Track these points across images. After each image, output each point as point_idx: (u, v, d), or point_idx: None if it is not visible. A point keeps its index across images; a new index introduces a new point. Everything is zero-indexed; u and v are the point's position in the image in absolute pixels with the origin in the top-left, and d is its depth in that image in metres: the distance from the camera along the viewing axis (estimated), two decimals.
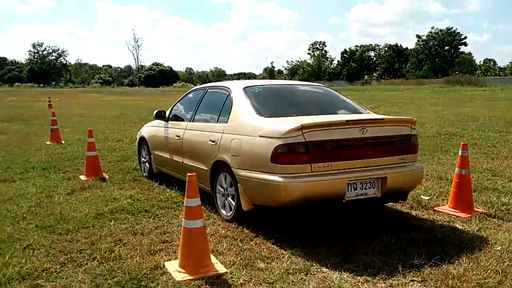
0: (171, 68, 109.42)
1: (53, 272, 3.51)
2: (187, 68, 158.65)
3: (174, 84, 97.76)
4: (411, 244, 3.98)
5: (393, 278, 3.36)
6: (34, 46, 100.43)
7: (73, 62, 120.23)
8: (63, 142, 10.86)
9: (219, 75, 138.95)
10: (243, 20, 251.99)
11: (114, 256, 3.80)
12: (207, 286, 3.26)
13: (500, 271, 3.41)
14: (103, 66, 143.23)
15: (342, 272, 3.49)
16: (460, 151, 5.02)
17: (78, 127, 14.49)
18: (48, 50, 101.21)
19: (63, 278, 3.40)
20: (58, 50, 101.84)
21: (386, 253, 3.81)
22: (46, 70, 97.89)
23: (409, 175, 4.51)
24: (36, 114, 19.40)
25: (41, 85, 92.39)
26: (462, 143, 5.10)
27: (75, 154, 9.07)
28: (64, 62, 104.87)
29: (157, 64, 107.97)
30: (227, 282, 3.34)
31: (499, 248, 3.89)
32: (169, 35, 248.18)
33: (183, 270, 3.48)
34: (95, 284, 3.29)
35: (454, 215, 4.81)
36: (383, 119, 4.61)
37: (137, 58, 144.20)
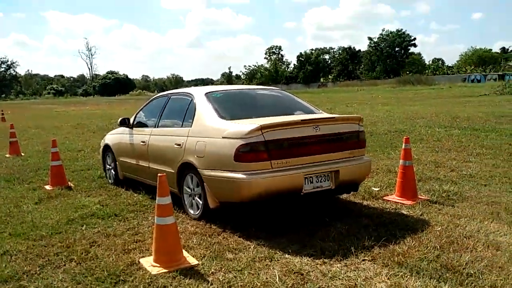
0: (126, 76, 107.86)
1: (34, 274, 3.72)
2: (143, 75, 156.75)
3: (131, 92, 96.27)
4: (363, 230, 4.43)
5: (347, 259, 3.79)
6: None
7: (23, 74, 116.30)
8: (22, 154, 10.79)
9: (177, 81, 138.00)
10: (199, 26, 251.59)
11: (91, 256, 4.04)
12: (181, 276, 3.56)
13: (439, 247, 3.91)
14: (55, 76, 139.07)
15: (303, 257, 3.88)
16: (403, 145, 5.55)
17: (36, 139, 14.33)
18: None
19: (44, 279, 3.61)
20: (7, 61, 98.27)
21: (340, 238, 4.24)
22: None
23: (359, 168, 4.97)
24: None
25: None
26: (405, 137, 5.64)
27: (37, 165, 9.08)
28: (14, 73, 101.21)
29: (112, 73, 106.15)
30: (199, 272, 3.65)
31: (439, 228, 4.40)
32: (124, 43, 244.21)
33: (157, 265, 3.76)
34: (76, 282, 3.53)
35: (401, 202, 5.33)
36: (334, 117, 5.07)
37: (91, 67, 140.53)
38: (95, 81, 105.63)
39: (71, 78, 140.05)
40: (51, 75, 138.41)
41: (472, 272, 3.40)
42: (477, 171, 6.85)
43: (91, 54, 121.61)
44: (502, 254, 3.73)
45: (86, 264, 3.87)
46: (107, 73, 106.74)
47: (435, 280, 3.30)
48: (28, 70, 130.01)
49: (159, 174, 3.82)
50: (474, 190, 5.81)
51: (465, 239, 4.09)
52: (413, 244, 3.99)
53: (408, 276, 3.39)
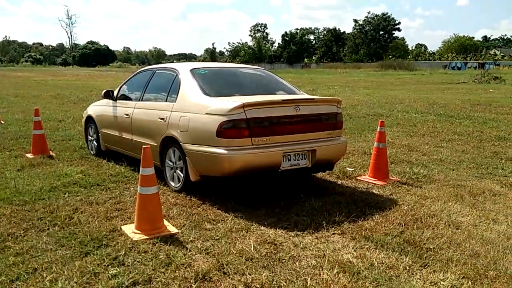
0: (107, 47, 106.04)
1: (18, 236, 3.87)
2: (124, 47, 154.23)
3: (111, 64, 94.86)
4: (335, 206, 4.69)
5: (318, 232, 4.04)
6: None
7: (0, 40, 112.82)
8: (2, 122, 10.73)
9: (159, 55, 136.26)
10: None
11: (74, 221, 4.21)
12: (161, 243, 3.75)
13: (403, 224, 4.20)
14: (33, 44, 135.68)
15: (277, 229, 4.11)
16: (378, 128, 5.80)
17: (15, 107, 14.20)
18: None
19: (28, 241, 3.76)
20: None
21: (314, 213, 4.49)
22: None
23: (335, 148, 5.20)
24: None
25: None
26: (380, 121, 5.89)
27: (18, 133, 9.09)
28: None
29: (92, 43, 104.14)
30: (179, 239, 3.85)
31: (405, 207, 4.69)
32: (106, 12, 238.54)
33: (139, 232, 3.95)
34: (60, 244, 3.70)
35: (373, 183, 5.61)
36: (314, 99, 5.27)
37: (71, 36, 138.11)
38: (75, 50, 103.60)
39: (50, 47, 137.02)
40: (30, 42, 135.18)
41: (432, 247, 3.68)
42: (447, 156, 7.18)
43: (72, 23, 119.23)
44: (461, 233, 4.03)
45: (70, 228, 4.03)
46: (88, 43, 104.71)
47: (397, 253, 3.57)
48: (5, 37, 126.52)
49: (143, 146, 3.97)
50: (442, 173, 6.13)
51: (428, 217, 4.38)
52: (380, 221, 4.27)
53: (373, 249, 3.65)
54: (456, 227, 4.17)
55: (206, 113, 4.76)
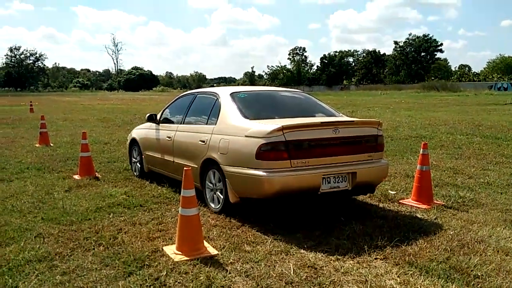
0: (151, 72, 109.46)
1: (65, 255, 4.00)
2: (167, 72, 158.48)
3: (154, 89, 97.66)
4: (377, 230, 4.58)
5: (360, 257, 3.96)
6: (11, 50, 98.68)
7: (50, 66, 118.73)
8: (52, 144, 11.23)
9: (200, 79, 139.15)
10: (224, 25, 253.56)
11: (118, 242, 4.32)
12: (202, 264, 3.78)
13: (449, 250, 4.05)
14: (81, 70, 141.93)
15: (317, 252, 4.06)
16: (421, 150, 5.68)
17: (64, 130, 14.83)
18: (26, 54, 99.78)
19: (75, 260, 3.89)
20: (36, 54, 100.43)
21: (355, 237, 4.41)
22: (23, 74, 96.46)
23: (376, 170, 5.12)
24: (20, 118, 19.56)
25: (18, 89, 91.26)
26: (423, 143, 5.77)
27: (66, 155, 9.48)
28: (42, 66, 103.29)
29: (137, 68, 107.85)
30: (219, 261, 3.87)
31: (451, 232, 4.53)
32: (150, 39, 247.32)
33: (180, 252, 4.00)
34: (104, 264, 3.80)
35: (416, 206, 5.46)
36: (353, 121, 5.24)
37: (117, 62, 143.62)
38: (120, 76, 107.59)
39: (97, 73, 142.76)
40: (78, 68, 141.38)
41: (480, 274, 3.53)
42: (494, 179, 6.91)
43: (117, 50, 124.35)
44: (511, 259, 3.85)
45: (114, 248, 4.14)
46: (132, 68, 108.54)
47: (443, 280, 3.44)
48: (55, 63, 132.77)
49: (184, 168, 4.06)
50: (490, 197, 5.90)
51: (476, 243, 4.21)
52: (425, 246, 4.14)
53: (418, 275, 3.54)
54: (505, 254, 3.98)
55: (245, 136, 4.82)
